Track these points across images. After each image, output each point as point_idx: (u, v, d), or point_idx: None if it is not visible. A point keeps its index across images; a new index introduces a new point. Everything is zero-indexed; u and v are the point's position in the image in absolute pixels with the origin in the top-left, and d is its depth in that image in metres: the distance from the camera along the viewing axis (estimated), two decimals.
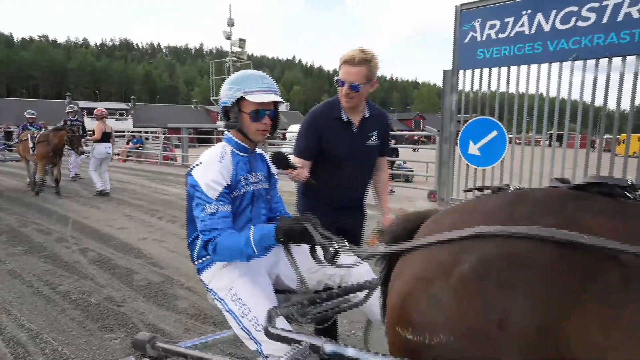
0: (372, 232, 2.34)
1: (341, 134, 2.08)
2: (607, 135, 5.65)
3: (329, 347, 1.10)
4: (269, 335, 1.30)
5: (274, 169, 1.94)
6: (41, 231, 5.58)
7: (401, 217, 1.27)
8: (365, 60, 1.95)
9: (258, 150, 1.89)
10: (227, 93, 1.70)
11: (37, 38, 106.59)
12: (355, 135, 2.11)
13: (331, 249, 1.39)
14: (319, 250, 1.48)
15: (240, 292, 1.66)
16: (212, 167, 1.66)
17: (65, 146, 8.19)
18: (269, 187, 1.91)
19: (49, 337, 2.79)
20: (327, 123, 2.07)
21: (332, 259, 1.39)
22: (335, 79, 2.05)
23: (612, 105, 4.58)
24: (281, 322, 1.47)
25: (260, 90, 1.67)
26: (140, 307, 3.29)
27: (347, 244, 1.38)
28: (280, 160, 1.84)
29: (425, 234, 1.03)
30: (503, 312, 0.79)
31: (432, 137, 9.59)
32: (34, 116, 10.21)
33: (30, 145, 8.26)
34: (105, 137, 8.58)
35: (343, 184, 2.12)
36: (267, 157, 1.94)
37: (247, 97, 1.66)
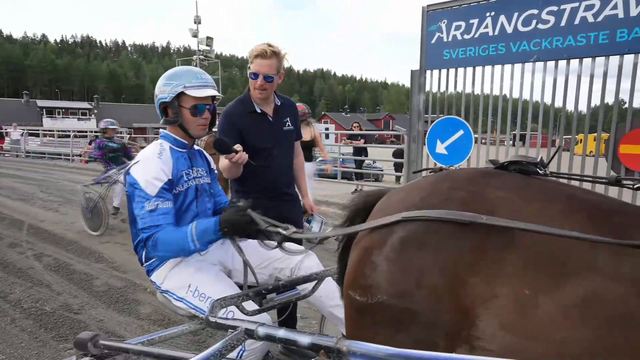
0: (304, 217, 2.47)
1: (260, 126, 2.22)
2: (566, 136, 5.88)
3: (261, 330, 1.15)
4: (208, 323, 1.33)
5: (213, 165, 1.99)
6: None
7: (362, 193, 1.43)
8: (275, 53, 2.10)
9: (196, 147, 1.90)
10: (164, 89, 1.69)
11: None
12: (272, 124, 2.24)
13: (278, 235, 1.46)
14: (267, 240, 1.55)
15: (202, 287, 1.65)
16: (150, 163, 1.65)
17: None
18: (211, 182, 1.93)
19: None
20: (243, 118, 2.17)
21: (280, 243, 1.46)
22: (248, 72, 2.17)
23: (570, 106, 4.77)
24: (238, 313, 1.50)
25: (200, 85, 1.69)
26: (100, 314, 3.13)
27: (293, 228, 1.46)
28: (224, 145, 1.86)
29: (377, 208, 1.21)
30: (419, 272, 0.97)
31: (401, 136, 9.68)
32: (115, 127, 6.53)
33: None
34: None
35: (273, 172, 2.24)
36: (206, 152, 1.98)
37: (188, 92, 1.67)
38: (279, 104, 2.29)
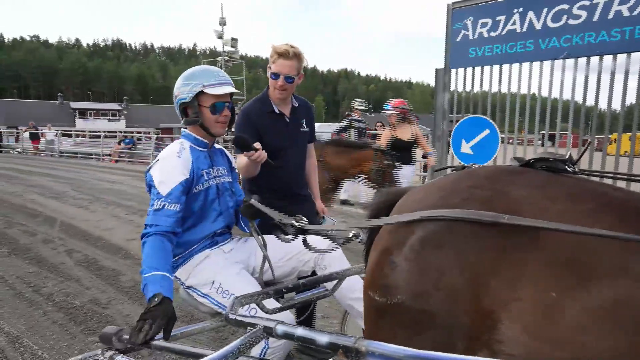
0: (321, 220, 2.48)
1: (277, 126, 2.23)
2: (598, 135, 5.65)
3: (280, 328, 1.16)
4: (228, 321, 1.34)
5: (234, 163, 1.99)
6: (27, 232, 5.47)
7: (384, 192, 1.44)
8: (297, 54, 2.11)
9: (217, 145, 1.92)
10: (183, 89, 1.72)
11: (28, 38, 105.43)
12: (289, 124, 2.26)
13: (291, 227, 1.49)
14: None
15: (225, 284, 1.67)
16: (168, 162, 1.68)
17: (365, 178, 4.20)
18: (232, 181, 1.95)
19: (29, 342, 2.70)
20: (261, 118, 2.18)
21: (295, 235, 1.50)
22: (268, 72, 2.17)
23: (603, 104, 4.58)
24: (261, 311, 1.50)
25: (218, 83, 1.71)
26: (126, 309, 3.22)
27: (305, 220, 1.49)
28: (243, 143, 1.87)
29: (397, 207, 1.19)
30: (439, 272, 0.95)
31: (425, 136, 9.58)
32: None
33: None
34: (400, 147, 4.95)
35: (287, 172, 2.25)
36: (227, 151, 1.99)
37: (207, 90, 1.69)
38: (296, 105, 2.31)
